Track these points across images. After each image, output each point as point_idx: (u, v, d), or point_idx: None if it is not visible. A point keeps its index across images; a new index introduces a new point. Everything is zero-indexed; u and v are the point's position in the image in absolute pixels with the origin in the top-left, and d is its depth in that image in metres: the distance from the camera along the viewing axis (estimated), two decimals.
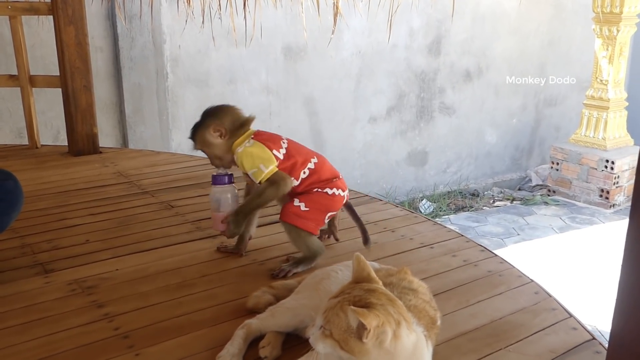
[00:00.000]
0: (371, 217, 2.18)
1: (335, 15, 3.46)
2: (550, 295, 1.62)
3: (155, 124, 4.39)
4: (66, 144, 3.12)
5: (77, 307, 1.54)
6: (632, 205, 0.73)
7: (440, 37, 5.44)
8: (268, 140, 1.71)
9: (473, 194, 5.68)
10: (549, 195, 5.51)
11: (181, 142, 4.52)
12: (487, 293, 1.62)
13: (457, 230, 2.09)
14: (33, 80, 3.05)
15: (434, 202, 5.38)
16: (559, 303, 1.58)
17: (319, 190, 1.72)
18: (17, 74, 3.02)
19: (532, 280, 1.70)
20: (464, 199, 5.53)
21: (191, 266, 1.79)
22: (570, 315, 1.52)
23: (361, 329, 0.99)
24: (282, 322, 1.35)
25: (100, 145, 3.11)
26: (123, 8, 3.99)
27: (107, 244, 1.94)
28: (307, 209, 1.69)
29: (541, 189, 5.74)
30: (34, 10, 2.95)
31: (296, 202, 1.69)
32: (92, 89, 3.01)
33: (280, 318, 1.35)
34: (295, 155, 1.72)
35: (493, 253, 1.90)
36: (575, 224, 4.88)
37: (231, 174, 1.77)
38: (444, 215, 5.09)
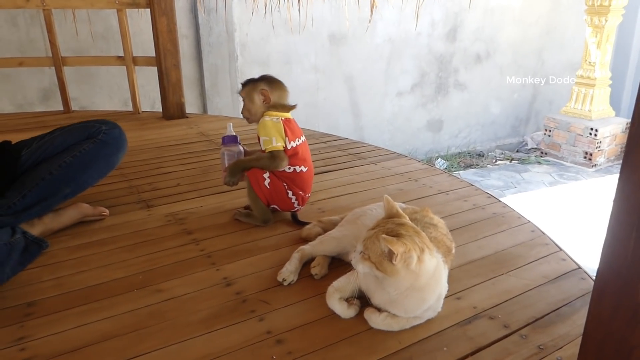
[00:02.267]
0: (398, 169, 2.15)
1: (372, 7, 3.35)
2: (544, 233, 1.57)
3: (227, 95, 4.40)
4: (160, 110, 3.15)
5: (172, 234, 1.57)
6: (623, 160, 0.69)
7: (456, 27, 5.23)
8: (290, 129, 1.54)
9: (479, 155, 5.55)
10: (541, 156, 5.34)
11: None
12: (492, 230, 1.59)
13: (467, 181, 2.04)
14: (135, 61, 3.07)
15: (447, 160, 5.28)
16: (550, 239, 1.53)
17: (286, 186, 1.55)
18: (123, 55, 3.04)
19: (529, 221, 1.65)
20: (471, 159, 5.41)
21: None
22: (560, 249, 1.47)
23: (391, 254, 0.98)
24: (328, 249, 1.35)
25: (186, 112, 3.13)
26: (203, 3, 3.96)
27: (193, 187, 1.97)
28: (269, 187, 1.54)
29: (535, 151, 5.56)
30: (135, 5, 2.94)
31: (266, 175, 1.54)
32: (180, 68, 3.01)
33: (327, 245, 1.36)
34: (296, 155, 1.55)
35: (497, 199, 1.85)
36: (562, 180, 4.72)
37: (237, 136, 1.64)
38: (455, 171, 5.00)
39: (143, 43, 3.60)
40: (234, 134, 1.64)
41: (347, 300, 1.14)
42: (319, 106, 4.86)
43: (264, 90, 1.54)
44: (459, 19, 5.20)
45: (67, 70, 3.11)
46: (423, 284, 1.03)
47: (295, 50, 4.53)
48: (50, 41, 2.97)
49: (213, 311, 1.17)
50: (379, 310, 1.10)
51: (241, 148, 1.64)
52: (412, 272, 1.01)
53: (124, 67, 3.07)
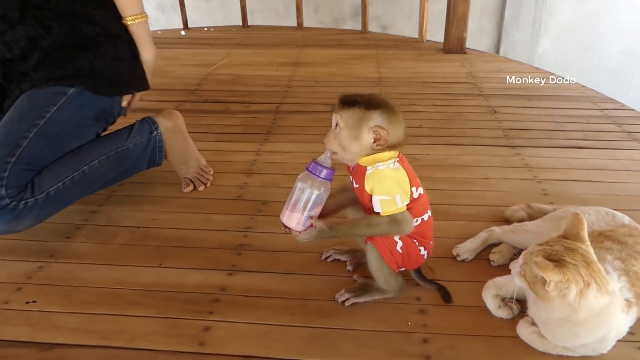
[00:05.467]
0: None
1: None
2: None
3: (527, 30, 4.03)
4: (442, 42, 3.15)
5: None
6: None
7: None
8: (410, 171, 1.07)
9: None
10: None
11: (547, 50, 4.08)
12: None
13: None
14: None
15: None
16: None
17: (417, 242, 1.11)
18: None
19: None
20: None
21: (479, 167, 1.73)
22: None
23: (544, 279, 0.90)
24: (517, 240, 1.27)
25: (466, 47, 3.05)
26: None
27: (432, 131, 2.01)
28: (401, 251, 1.09)
29: None
30: None
31: (397, 238, 1.09)
32: (469, 2, 2.90)
33: (518, 236, 1.27)
34: (419, 201, 1.08)
35: None
36: None
37: (333, 170, 1.03)
38: None
39: None
40: (330, 165, 1.03)
41: (504, 300, 1.10)
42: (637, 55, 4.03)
43: (379, 128, 0.99)
44: None
45: None
46: (580, 320, 0.92)
47: None
48: None
49: None
50: (533, 322, 1.03)
51: (329, 189, 1.06)
52: (568, 305, 0.90)
53: None
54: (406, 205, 1.04)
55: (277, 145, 1.91)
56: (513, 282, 1.03)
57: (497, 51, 4.22)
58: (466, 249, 1.28)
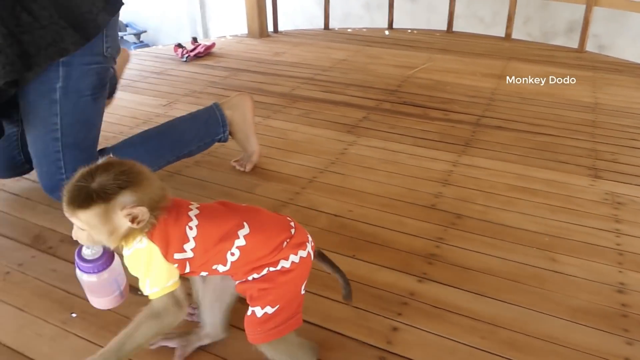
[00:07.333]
0: None
1: None
2: None
3: None
4: None
5: (599, 214, 1.52)
6: None
7: None
8: (168, 236, 0.81)
9: None
10: None
11: None
12: None
13: None
14: None
15: None
16: None
17: (271, 269, 0.85)
18: None
19: None
20: None
21: None
22: None
23: None
24: None
25: None
26: None
27: None
28: (276, 306, 0.86)
29: None
30: None
31: (257, 310, 0.85)
32: None
33: None
34: (210, 241, 0.83)
35: None
36: None
37: (106, 256, 0.86)
38: None
39: None
40: (100, 252, 0.86)
41: None
42: None
43: (132, 210, 0.75)
44: None
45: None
46: None
47: None
48: None
49: (587, 306, 1.17)
50: None
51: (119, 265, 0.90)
52: None
53: None
54: (173, 283, 0.83)
55: (475, 159, 1.86)
56: None
57: None
58: None
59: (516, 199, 1.60)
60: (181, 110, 2.26)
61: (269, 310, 0.85)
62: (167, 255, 0.82)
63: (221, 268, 0.86)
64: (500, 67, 2.92)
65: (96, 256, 0.86)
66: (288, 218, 0.92)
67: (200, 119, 1.66)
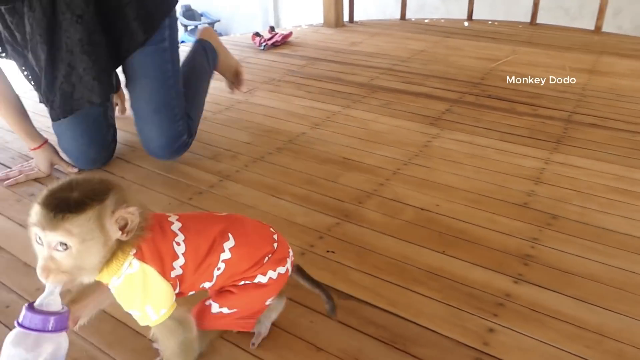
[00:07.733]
0: None
1: None
2: None
3: None
4: None
5: None
6: None
7: None
8: (160, 253, 0.75)
9: None
10: None
11: None
12: None
13: None
14: None
15: None
16: None
17: (247, 282, 0.84)
18: None
19: None
20: None
21: None
22: None
23: None
24: None
25: None
26: None
27: None
28: (234, 310, 0.85)
29: None
30: None
31: (215, 306, 0.85)
32: None
33: None
34: (200, 255, 0.79)
35: None
36: None
37: (67, 312, 0.73)
38: None
39: None
40: (59, 306, 0.72)
41: None
42: None
43: (124, 213, 0.70)
44: None
45: None
46: None
47: None
48: None
49: None
50: None
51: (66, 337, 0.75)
52: None
53: None
54: (173, 304, 0.78)
55: (569, 157, 1.75)
56: None
57: None
58: None
59: (617, 201, 1.49)
60: (262, 97, 2.29)
61: (225, 310, 0.85)
62: (164, 274, 0.76)
63: (207, 284, 0.84)
64: (591, 62, 2.75)
65: (52, 309, 0.70)
66: (271, 229, 0.90)
67: (199, 52, 1.81)
